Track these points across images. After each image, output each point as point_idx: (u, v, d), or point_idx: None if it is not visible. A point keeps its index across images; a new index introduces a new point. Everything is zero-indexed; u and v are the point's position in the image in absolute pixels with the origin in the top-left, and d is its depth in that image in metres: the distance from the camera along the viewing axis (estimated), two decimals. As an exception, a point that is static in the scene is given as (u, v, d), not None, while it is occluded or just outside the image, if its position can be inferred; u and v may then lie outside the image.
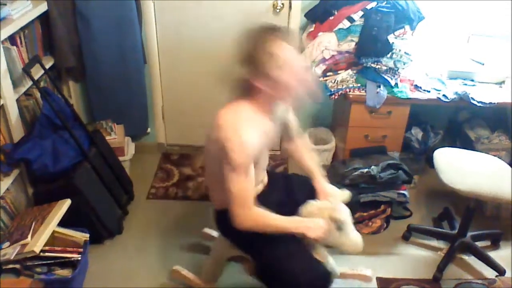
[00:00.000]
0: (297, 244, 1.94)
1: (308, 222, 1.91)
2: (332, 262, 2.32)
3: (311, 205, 2.00)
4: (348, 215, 2.01)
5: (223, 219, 1.93)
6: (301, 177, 2.26)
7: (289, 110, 2.09)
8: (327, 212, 1.96)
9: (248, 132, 1.75)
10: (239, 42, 1.75)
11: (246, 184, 1.77)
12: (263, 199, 1.92)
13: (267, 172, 2.18)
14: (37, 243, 2.15)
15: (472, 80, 2.92)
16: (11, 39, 2.43)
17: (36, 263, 2.22)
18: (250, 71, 1.76)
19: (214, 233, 2.61)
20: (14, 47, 2.43)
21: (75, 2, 2.83)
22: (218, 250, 2.35)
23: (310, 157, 2.23)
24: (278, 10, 3.07)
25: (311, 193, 2.11)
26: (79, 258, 2.32)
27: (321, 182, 2.16)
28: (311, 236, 1.86)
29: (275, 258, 1.90)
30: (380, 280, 2.53)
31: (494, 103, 2.72)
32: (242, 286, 2.46)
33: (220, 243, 2.27)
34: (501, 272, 2.55)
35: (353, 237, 2.00)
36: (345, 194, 2.11)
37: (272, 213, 1.84)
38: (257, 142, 1.80)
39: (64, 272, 2.29)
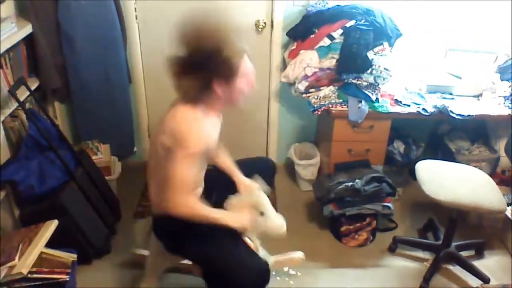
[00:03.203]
0: (233, 240, 2.05)
1: (234, 214, 2.03)
2: (264, 252, 2.41)
3: (232, 199, 2.12)
4: (266, 200, 2.15)
5: (163, 224, 2.07)
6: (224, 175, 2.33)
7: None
8: (247, 202, 2.10)
9: (205, 125, 1.86)
10: (193, 39, 1.77)
11: (190, 173, 1.85)
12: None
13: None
14: (24, 264, 2.13)
15: (451, 94, 3.00)
16: (-4, 61, 2.45)
17: (24, 284, 2.19)
18: (207, 75, 1.81)
19: (145, 252, 2.61)
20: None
21: (60, 23, 2.86)
22: (152, 264, 2.42)
23: (227, 156, 2.35)
24: (260, 29, 3.14)
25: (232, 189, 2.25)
26: (67, 279, 2.30)
27: (239, 177, 2.29)
28: (237, 227, 1.99)
29: (216, 259, 2.01)
30: (367, 292, 2.56)
31: (473, 115, 2.80)
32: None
33: (154, 256, 2.37)
34: (485, 280, 2.59)
35: (276, 219, 2.14)
36: (262, 185, 2.25)
37: (203, 204, 1.94)
38: (211, 137, 1.90)
39: (52, 293, 2.28)
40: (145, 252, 2.58)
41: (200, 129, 1.84)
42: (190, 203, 1.89)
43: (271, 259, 2.50)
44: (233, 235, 2.05)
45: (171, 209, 1.86)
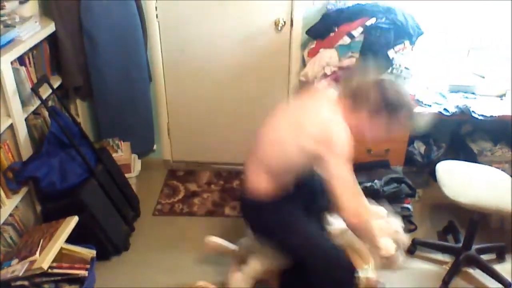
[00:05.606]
0: (321, 231, 2.08)
1: (386, 239, 2.01)
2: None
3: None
4: (404, 238, 2.12)
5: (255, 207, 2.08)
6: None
7: None
8: (391, 234, 2.05)
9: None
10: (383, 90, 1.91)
11: (352, 177, 1.86)
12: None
13: None
14: (45, 259, 2.18)
15: (473, 93, 2.95)
16: (20, 59, 2.49)
17: (44, 279, 2.24)
18: (378, 108, 1.89)
19: (220, 240, 2.51)
20: (23, 67, 2.49)
21: (82, 22, 2.89)
22: (253, 265, 2.28)
23: None
24: (280, 28, 3.13)
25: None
26: (86, 275, 2.35)
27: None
28: (383, 255, 1.99)
29: (303, 247, 2.00)
30: (385, 294, 2.53)
31: (495, 115, 2.75)
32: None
33: (259, 257, 2.25)
34: (506, 285, 2.53)
35: (401, 257, 2.10)
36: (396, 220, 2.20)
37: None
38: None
39: (72, 289, 2.32)
40: (229, 245, 2.49)
41: (350, 140, 1.86)
42: (363, 207, 1.92)
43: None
44: (321, 228, 2.10)
45: (351, 218, 1.88)
